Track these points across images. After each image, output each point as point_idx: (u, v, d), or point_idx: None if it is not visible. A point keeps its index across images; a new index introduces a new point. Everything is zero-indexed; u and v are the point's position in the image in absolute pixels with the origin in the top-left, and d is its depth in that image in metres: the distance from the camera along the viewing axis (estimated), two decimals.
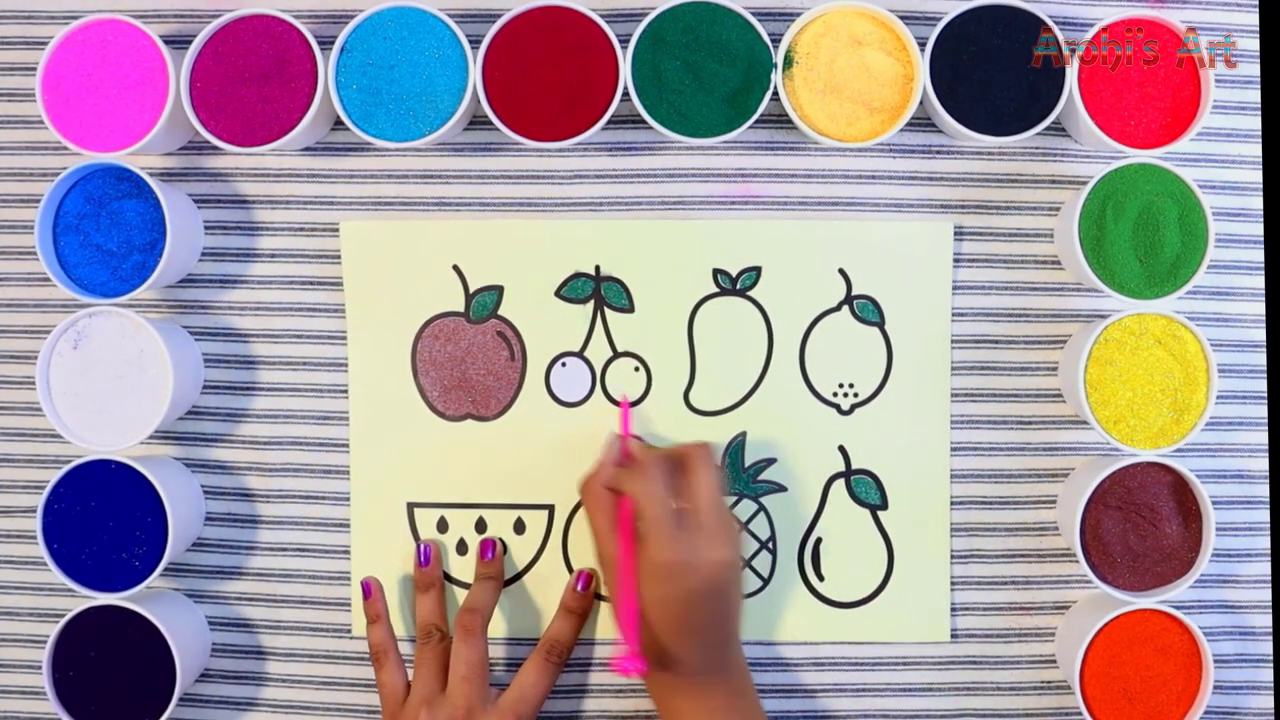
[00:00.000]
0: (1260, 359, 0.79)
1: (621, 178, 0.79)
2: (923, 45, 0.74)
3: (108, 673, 0.75)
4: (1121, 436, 0.74)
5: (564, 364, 0.79)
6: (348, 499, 0.79)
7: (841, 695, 0.79)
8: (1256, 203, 0.79)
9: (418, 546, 0.78)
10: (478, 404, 0.79)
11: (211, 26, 0.75)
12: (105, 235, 0.75)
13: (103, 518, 0.75)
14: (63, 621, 0.75)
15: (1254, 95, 0.79)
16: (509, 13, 0.74)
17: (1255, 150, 0.79)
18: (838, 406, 0.79)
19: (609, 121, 0.74)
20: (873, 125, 0.75)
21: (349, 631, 0.79)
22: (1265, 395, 0.79)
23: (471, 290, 0.79)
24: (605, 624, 0.79)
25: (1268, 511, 0.79)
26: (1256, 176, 0.79)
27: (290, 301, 0.79)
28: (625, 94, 0.75)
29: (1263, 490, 0.79)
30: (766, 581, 0.78)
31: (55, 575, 0.75)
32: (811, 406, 0.79)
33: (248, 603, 0.79)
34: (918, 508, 0.78)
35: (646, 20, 0.74)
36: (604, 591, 0.78)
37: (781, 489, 0.78)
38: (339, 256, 0.79)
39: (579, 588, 0.78)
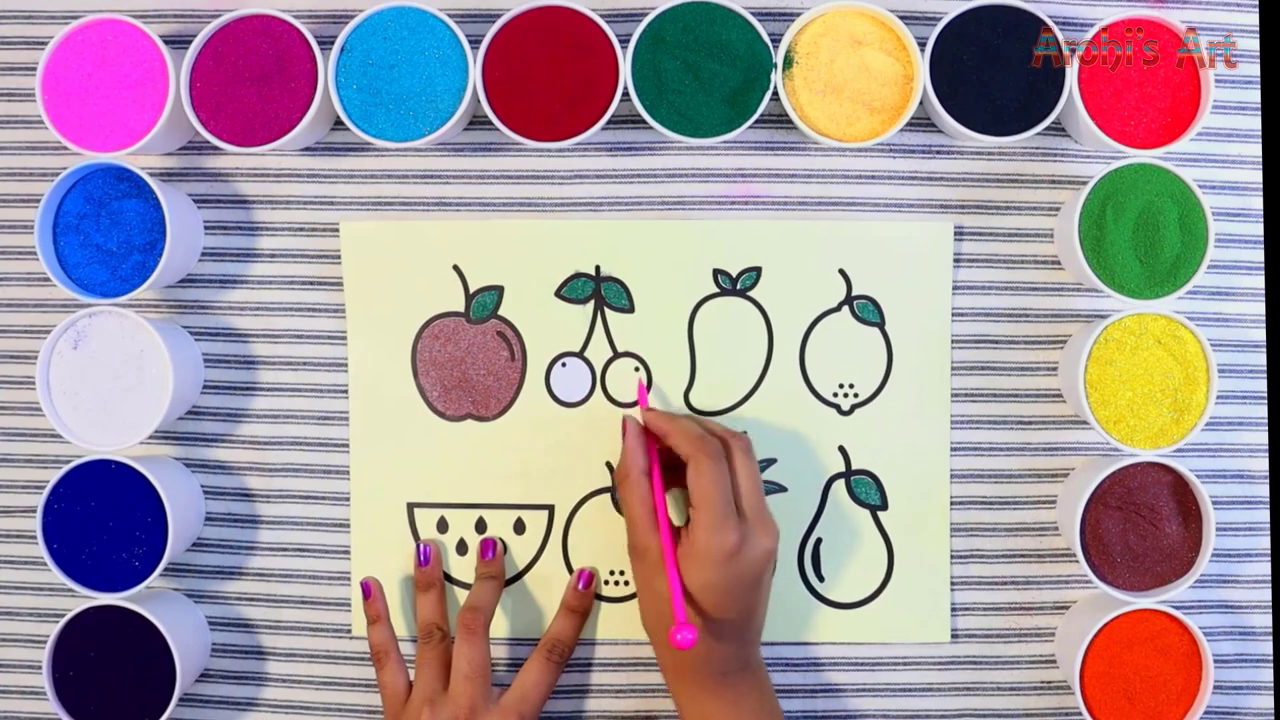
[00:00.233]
0: (1260, 359, 0.79)
1: (621, 178, 0.79)
2: (923, 45, 0.74)
3: (108, 673, 0.75)
4: (1121, 436, 0.74)
5: (564, 364, 0.79)
6: (348, 499, 0.79)
7: (841, 695, 0.79)
8: (1256, 203, 0.79)
9: (418, 546, 0.78)
10: (478, 404, 0.79)
11: (211, 26, 0.75)
12: (105, 235, 0.75)
13: (103, 518, 0.75)
14: (63, 621, 0.75)
15: (1254, 95, 0.79)
16: (509, 13, 0.74)
17: (1255, 150, 0.79)
18: (838, 407, 0.79)
19: (609, 121, 0.74)
20: (873, 125, 0.75)
21: (349, 631, 0.79)
22: (1265, 395, 0.79)
23: (471, 290, 0.79)
24: (606, 624, 0.79)
25: (1268, 511, 0.79)
26: (1256, 176, 0.79)
27: (290, 301, 0.79)
28: (625, 94, 0.75)
29: (1263, 490, 0.79)
30: None
31: (55, 575, 0.75)
32: (811, 407, 0.79)
33: (248, 603, 0.79)
34: (918, 508, 0.78)
35: (646, 20, 0.74)
36: (608, 592, 0.78)
37: (782, 489, 0.78)
38: (339, 256, 0.79)
39: (580, 587, 0.78)
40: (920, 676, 0.79)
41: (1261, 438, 0.79)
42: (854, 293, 0.79)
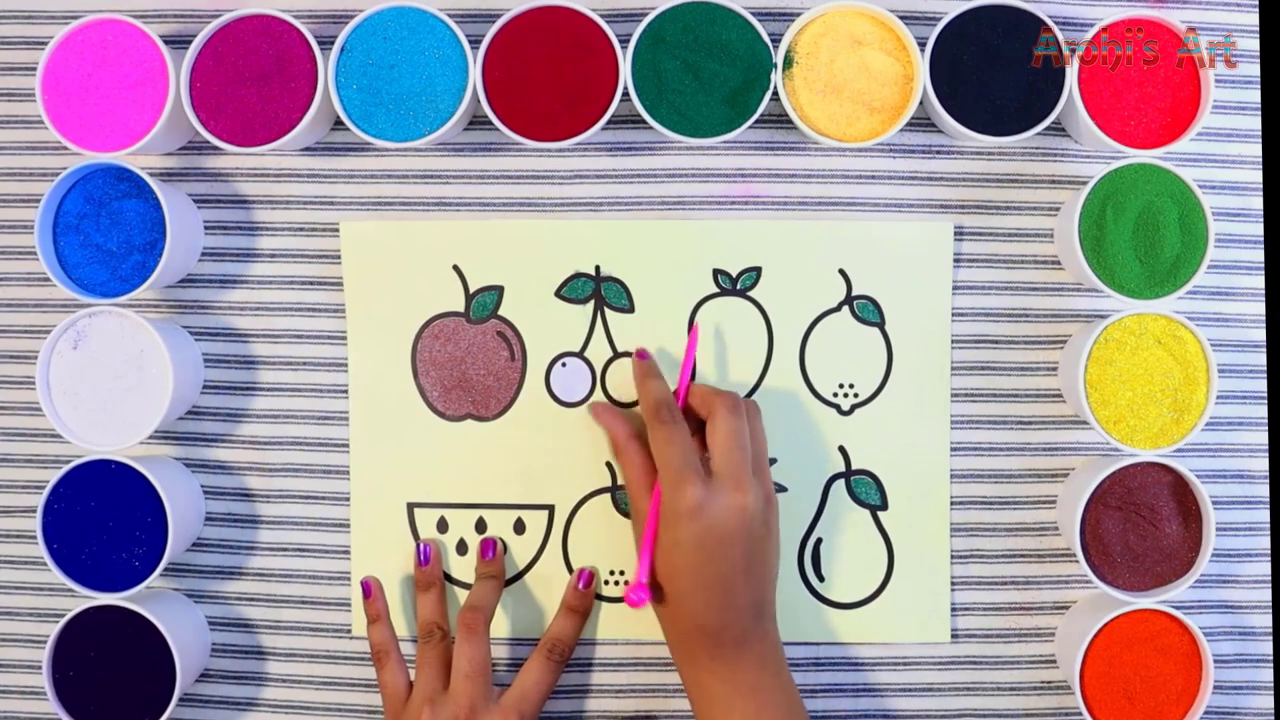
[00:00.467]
0: (1260, 359, 0.79)
1: (621, 178, 0.79)
2: (923, 45, 0.74)
3: (108, 673, 0.75)
4: (1121, 436, 0.74)
5: (564, 364, 0.79)
6: (348, 499, 0.79)
7: (841, 695, 0.79)
8: (1256, 203, 0.79)
9: (418, 546, 0.78)
10: (478, 404, 0.79)
11: (211, 26, 0.75)
12: (105, 235, 0.75)
13: (103, 518, 0.75)
14: (63, 621, 0.75)
15: (1254, 95, 0.79)
16: (509, 13, 0.74)
17: (1255, 150, 0.79)
18: (838, 407, 0.79)
19: (609, 121, 0.74)
20: (873, 125, 0.75)
21: (349, 631, 0.79)
22: (1265, 395, 0.79)
23: (471, 290, 0.79)
24: (606, 624, 0.79)
25: (1268, 511, 0.79)
26: (1256, 176, 0.79)
27: (290, 301, 0.79)
28: (625, 94, 0.75)
29: (1263, 490, 0.79)
30: None
31: (55, 575, 0.75)
32: (811, 407, 0.79)
33: (248, 603, 0.79)
34: (918, 508, 0.78)
35: (646, 20, 0.74)
36: (608, 592, 0.78)
37: (782, 489, 0.78)
38: (339, 256, 0.79)
39: (580, 586, 0.78)
40: (920, 676, 0.79)
41: (1261, 438, 0.79)
42: (854, 293, 0.79)
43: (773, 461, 0.78)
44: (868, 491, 0.79)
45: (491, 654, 0.76)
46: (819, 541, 0.79)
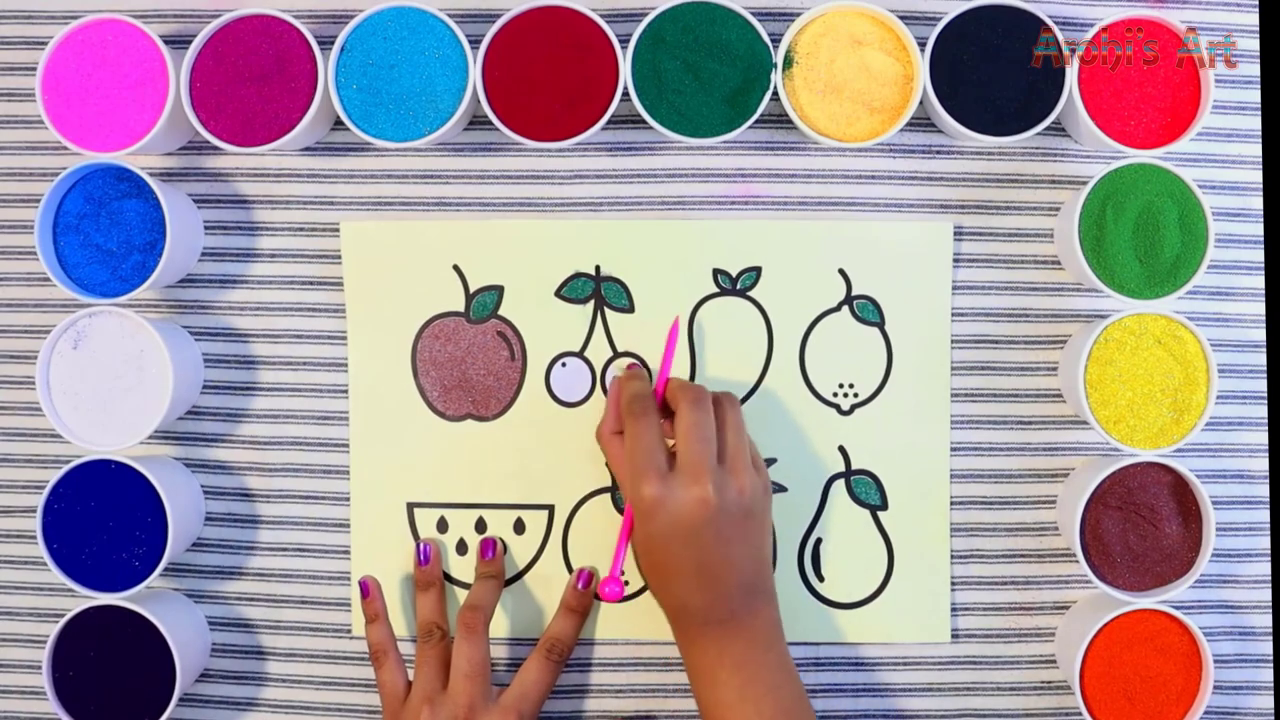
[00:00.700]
0: (1260, 359, 0.79)
1: (621, 178, 0.79)
2: (923, 45, 0.74)
3: (108, 673, 0.75)
4: (1121, 436, 0.74)
5: (564, 364, 0.79)
6: (348, 499, 0.79)
7: (841, 695, 0.79)
8: (1256, 203, 0.79)
9: (417, 546, 0.78)
10: (478, 404, 0.79)
11: (211, 26, 0.75)
12: (105, 235, 0.75)
13: (103, 518, 0.75)
14: (63, 621, 0.75)
15: (1254, 95, 0.79)
16: (509, 13, 0.74)
17: (1255, 150, 0.79)
18: (838, 407, 0.79)
19: (609, 121, 0.74)
20: (873, 125, 0.75)
21: (349, 631, 0.79)
22: (1265, 395, 0.79)
23: (471, 290, 0.79)
24: (606, 624, 0.79)
25: (1268, 511, 0.79)
26: (1256, 176, 0.79)
27: (290, 301, 0.79)
28: (625, 94, 0.75)
29: (1263, 490, 0.79)
30: None
31: (55, 575, 0.75)
32: (811, 406, 0.79)
33: (248, 603, 0.79)
34: (918, 508, 0.78)
35: (646, 20, 0.74)
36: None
37: (781, 489, 0.78)
38: (339, 256, 0.79)
39: (580, 586, 0.78)
40: (920, 676, 0.79)
41: (1261, 438, 0.79)
42: (854, 293, 0.79)
43: (773, 461, 0.78)
44: (868, 491, 0.79)
45: (491, 654, 0.76)
46: (819, 541, 0.79)
